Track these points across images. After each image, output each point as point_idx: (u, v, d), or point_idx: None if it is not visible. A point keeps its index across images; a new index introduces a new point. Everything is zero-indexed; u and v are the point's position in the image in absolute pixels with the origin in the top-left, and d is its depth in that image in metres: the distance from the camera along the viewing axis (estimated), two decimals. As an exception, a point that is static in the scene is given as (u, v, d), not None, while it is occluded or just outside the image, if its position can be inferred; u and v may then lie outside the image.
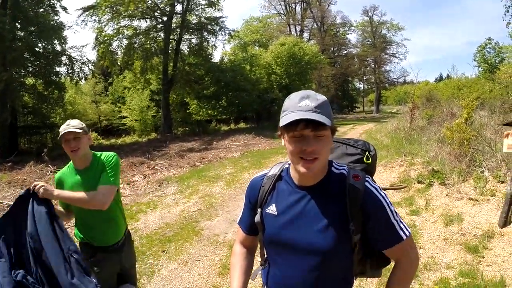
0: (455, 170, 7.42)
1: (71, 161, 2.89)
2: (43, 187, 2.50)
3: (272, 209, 1.61)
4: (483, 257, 4.81)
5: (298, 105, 1.39)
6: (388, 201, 1.51)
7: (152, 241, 6.05)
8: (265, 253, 1.75)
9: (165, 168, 12.43)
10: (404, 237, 1.51)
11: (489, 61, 20.08)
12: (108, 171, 2.81)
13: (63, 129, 2.71)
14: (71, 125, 2.73)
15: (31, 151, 19.54)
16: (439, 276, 4.53)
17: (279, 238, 1.58)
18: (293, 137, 1.41)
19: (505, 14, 9.07)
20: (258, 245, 1.82)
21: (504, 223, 5.25)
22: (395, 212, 1.53)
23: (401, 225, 1.52)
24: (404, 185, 2.21)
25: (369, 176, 1.57)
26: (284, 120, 1.40)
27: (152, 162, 13.43)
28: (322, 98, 1.41)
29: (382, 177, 9.25)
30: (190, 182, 10.33)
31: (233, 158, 14.59)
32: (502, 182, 6.42)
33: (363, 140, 1.90)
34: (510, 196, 5.20)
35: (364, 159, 1.80)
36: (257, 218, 1.67)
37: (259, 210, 1.67)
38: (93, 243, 2.85)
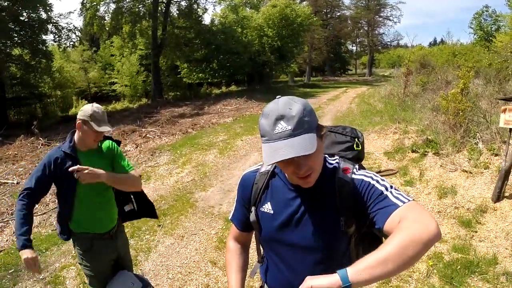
0: (450, 141, 7.44)
1: (66, 144, 2.72)
2: (88, 172, 2.55)
3: (267, 207, 1.58)
4: (476, 231, 4.89)
5: (274, 131, 1.27)
6: (378, 179, 1.42)
7: (147, 214, 6.04)
8: (262, 250, 1.75)
9: (157, 136, 12.32)
10: (401, 204, 1.29)
11: (485, 29, 19.88)
12: (123, 159, 2.92)
13: (101, 120, 2.66)
14: (106, 120, 2.71)
15: (21, 122, 19.32)
16: (432, 250, 4.58)
17: (276, 238, 1.56)
18: (281, 162, 1.30)
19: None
20: (253, 240, 1.80)
21: (497, 198, 5.31)
22: (391, 186, 1.39)
23: (399, 196, 1.33)
24: (395, 170, 2.17)
25: (357, 166, 1.52)
26: (265, 154, 1.29)
27: (143, 129, 13.28)
28: (297, 111, 1.27)
29: (376, 144, 9.27)
30: (183, 150, 10.27)
31: (226, 124, 14.49)
32: (496, 155, 6.45)
33: (350, 126, 1.84)
34: (504, 172, 5.22)
35: (354, 146, 1.74)
36: (252, 217, 1.63)
37: (253, 208, 1.63)
38: (89, 232, 2.79)
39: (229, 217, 1.87)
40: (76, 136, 2.71)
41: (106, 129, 2.65)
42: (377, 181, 1.41)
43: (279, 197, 1.55)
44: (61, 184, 2.67)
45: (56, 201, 2.86)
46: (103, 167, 2.69)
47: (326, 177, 1.47)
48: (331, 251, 1.48)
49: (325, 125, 1.47)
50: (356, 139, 1.75)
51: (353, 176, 1.45)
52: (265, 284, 1.75)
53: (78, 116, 2.65)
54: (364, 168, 1.81)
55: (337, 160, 1.54)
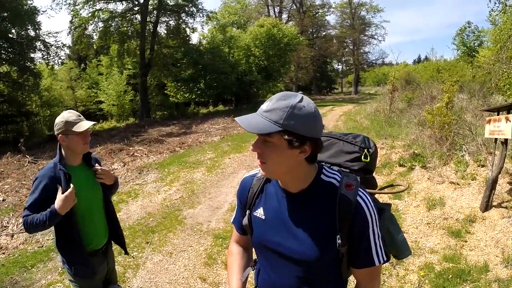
0: (436, 154, 7.50)
1: (55, 160, 2.59)
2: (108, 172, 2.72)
3: (260, 212, 1.57)
4: (466, 241, 4.90)
5: (262, 105, 1.36)
6: (374, 221, 1.43)
7: (135, 232, 5.94)
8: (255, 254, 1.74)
9: (145, 154, 12.21)
10: (377, 263, 1.45)
11: (468, 45, 20.31)
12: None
13: (76, 119, 2.55)
14: (83, 118, 2.62)
15: (8, 140, 19.10)
16: (423, 261, 4.60)
17: (266, 244, 1.55)
18: None
19: (489, 1, 9.19)
20: None
21: (485, 207, 5.33)
22: (378, 234, 1.45)
23: (379, 250, 1.45)
24: (404, 187, 2.06)
25: (363, 182, 1.51)
26: None
27: (131, 148, 13.18)
28: (282, 104, 1.29)
29: (364, 160, 9.29)
30: (170, 168, 10.19)
31: (213, 142, 14.45)
32: (483, 166, 6.51)
33: (363, 135, 1.77)
34: (492, 181, 5.26)
35: (362, 157, 1.68)
36: (245, 220, 1.64)
37: (247, 212, 1.63)
38: (86, 249, 2.67)
39: (231, 220, 1.86)
40: (63, 152, 2.61)
41: (88, 124, 2.56)
42: (373, 224, 1.42)
43: (271, 203, 1.54)
44: None
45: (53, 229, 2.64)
46: (93, 180, 2.70)
47: (321, 190, 1.44)
48: (316, 264, 1.44)
49: (334, 132, 1.47)
50: (366, 150, 1.69)
51: (358, 198, 1.40)
52: (257, 286, 1.72)
53: (55, 132, 2.56)
54: (375, 181, 1.79)
55: (336, 174, 1.48)
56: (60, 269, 4.72)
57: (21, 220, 3.81)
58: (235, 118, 1.34)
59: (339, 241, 1.39)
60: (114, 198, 7.69)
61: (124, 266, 4.79)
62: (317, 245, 1.41)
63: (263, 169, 1.41)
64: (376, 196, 1.83)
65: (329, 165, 1.62)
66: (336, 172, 1.50)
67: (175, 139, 15.63)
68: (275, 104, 1.29)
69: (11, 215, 6.65)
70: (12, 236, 5.81)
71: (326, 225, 1.40)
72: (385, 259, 1.47)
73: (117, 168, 10.36)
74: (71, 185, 2.41)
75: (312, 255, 1.42)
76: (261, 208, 1.56)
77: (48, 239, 5.64)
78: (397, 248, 1.70)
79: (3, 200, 7.53)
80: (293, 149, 1.32)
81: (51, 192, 2.43)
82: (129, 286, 4.36)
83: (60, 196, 2.36)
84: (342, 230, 1.39)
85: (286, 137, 1.29)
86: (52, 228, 2.56)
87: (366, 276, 1.51)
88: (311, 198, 1.44)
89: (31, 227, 2.42)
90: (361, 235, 1.41)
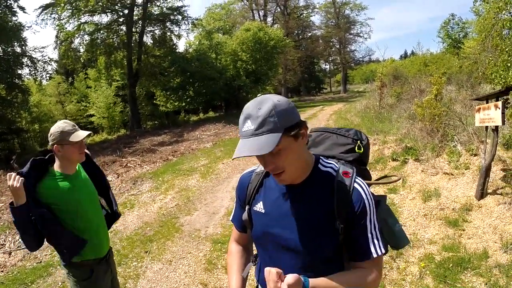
0: (428, 146, 7.55)
1: (52, 168, 2.57)
2: None
3: (259, 206, 1.58)
4: (463, 230, 4.92)
5: (242, 129, 1.32)
6: (371, 209, 1.44)
7: (133, 242, 5.89)
8: (255, 250, 1.74)
9: (138, 164, 12.15)
10: (374, 255, 1.44)
11: (453, 37, 20.48)
12: None
13: (72, 129, 2.52)
14: (78, 128, 2.58)
15: (0, 158, 18.89)
16: (423, 252, 4.62)
17: (266, 236, 1.55)
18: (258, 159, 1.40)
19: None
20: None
21: (481, 195, 5.37)
22: (375, 224, 1.46)
23: (375, 240, 1.45)
24: (398, 177, 2.08)
25: (358, 173, 1.51)
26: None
27: (124, 159, 13.11)
28: (264, 111, 1.28)
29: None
30: (164, 177, 10.15)
31: (206, 149, 14.42)
32: (475, 155, 6.56)
33: (355, 129, 1.82)
34: (485, 169, 5.30)
35: (356, 148, 1.72)
36: (244, 215, 1.65)
37: (247, 207, 1.64)
38: (90, 258, 2.66)
39: (230, 218, 1.86)
40: (57, 163, 2.57)
41: (84, 134, 2.55)
42: (370, 213, 1.43)
43: (271, 196, 1.55)
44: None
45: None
46: (90, 186, 2.73)
47: (318, 179, 1.46)
48: (317, 254, 1.45)
49: (322, 126, 1.47)
50: (359, 142, 1.73)
51: (354, 184, 1.43)
52: (258, 284, 1.73)
53: (50, 143, 2.51)
54: (369, 174, 1.82)
55: (332, 164, 1.51)
56: (60, 283, 4.68)
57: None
58: (235, 155, 1.29)
59: (338, 227, 1.40)
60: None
61: (124, 276, 4.75)
62: (316, 234, 1.42)
63: (283, 179, 1.40)
64: (371, 190, 1.85)
65: (325, 157, 1.63)
66: (332, 162, 1.52)
67: (168, 147, 15.57)
68: (258, 118, 1.27)
69: (7, 232, 6.57)
70: (10, 253, 5.74)
71: (324, 214, 1.42)
72: (383, 251, 1.45)
73: (111, 180, 10.28)
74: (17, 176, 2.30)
75: (311, 245, 1.43)
76: (261, 202, 1.58)
77: (46, 255, 5.58)
78: (396, 238, 1.70)
79: (-1, 218, 7.45)
80: (298, 139, 1.34)
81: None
82: (130, 297, 4.33)
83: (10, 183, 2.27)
84: (340, 217, 1.40)
85: (290, 134, 1.30)
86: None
87: (366, 267, 1.49)
88: (309, 188, 1.45)
89: (20, 235, 2.46)
90: (358, 223, 1.42)
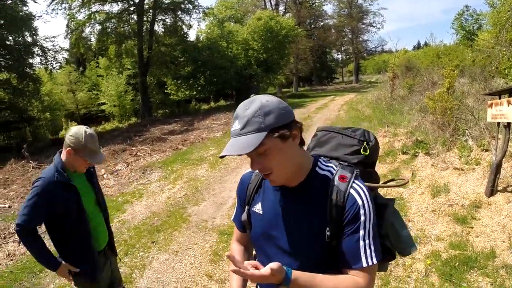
0: (439, 140, 7.45)
1: (57, 168, 2.54)
2: None
3: (258, 207, 1.57)
4: (472, 227, 4.86)
5: (231, 129, 1.33)
6: (368, 217, 1.37)
7: (140, 232, 5.94)
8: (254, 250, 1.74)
9: (148, 153, 12.23)
10: (364, 264, 1.36)
11: (467, 28, 20.07)
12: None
13: (95, 149, 2.55)
14: (98, 148, 2.60)
15: (11, 146, 19.18)
16: (430, 249, 4.58)
17: (264, 238, 1.54)
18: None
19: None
20: None
21: (490, 193, 5.29)
22: (370, 233, 1.38)
23: (368, 249, 1.37)
24: (406, 180, 2.00)
25: (354, 174, 1.46)
26: None
27: (134, 148, 13.21)
28: (251, 111, 1.28)
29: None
30: (174, 166, 10.20)
31: (216, 138, 14.45)
32: (486, 150, 6.45)
33: (363, 129, 1.74)
34: (496, 166, 5.22)
35: (361, 150, 1.64)
36: (243, 216, 1.64)
37: (246, 208, 1.64)
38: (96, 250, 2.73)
39: (231, 218, 1.86)
40: (64, 158, 2.55)
41: (100, 159, 2.58)
42: (365, 221, 1.37)
43: (269, 197, 1.54)
44: (66, 209, 2.51)
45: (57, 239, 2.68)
46: (89, 186, 2.75)
47: (315, 182, 1.43)
48: (315, 260, 1.43)
49: (333, 126, 1.44)
50: (365, 143, 1.66)
51: (350, 190, 1.38)
52: (257, 285, 1.72)
53: (68, 142, 2.47)
54: (377, 175, 1.76)
55: (331, 167, 1.47)
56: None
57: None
58: (222, 154, 1.30)
59: (328, 233, 1.37)
60: (119, 199, 7.72)
61: (130, 266, 4.80)
62: (308, 238, 1.41)
63: (272, 179, 1.40)
64: (379, 190, 1.81)
65: (327, 158, 1.60)
66: (331, 165, 1.49)
67: (178, 136, 15.63)
68: (244, 118, 1.28)
69: (17, 221, 6.67)
70: (20, 242, 5.83)
71: (318, 219, 1.39)
72: (375, 261, 1.37)
73: (120, 169, 10.38)
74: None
75: (305, 249, 1.42)
76: (259, 203, 1.57)
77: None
78: (402, 243, 1.66)
79: (9, 207, 7.58)
80: (287, 141, 1.32)
81: (51, 195, 2.42)
82: (136, 287, 4.37)
83: (64, 270, 2.55)
84: (332, 223, 1.37)
85: (276, 134, 1.28)
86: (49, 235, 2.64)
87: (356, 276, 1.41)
88: (305, 191, 1.43)
89: (26, 245, 2.55)
90: (350, 229, 1.37)
